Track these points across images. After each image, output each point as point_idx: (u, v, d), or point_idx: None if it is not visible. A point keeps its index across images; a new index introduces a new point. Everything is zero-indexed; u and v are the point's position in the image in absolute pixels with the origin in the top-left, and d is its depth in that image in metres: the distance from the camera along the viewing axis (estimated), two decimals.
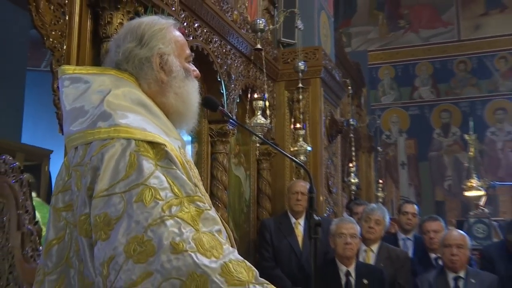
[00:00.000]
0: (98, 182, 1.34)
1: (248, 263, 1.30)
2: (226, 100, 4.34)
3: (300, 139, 4.92)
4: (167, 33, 1.65)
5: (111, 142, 1.38)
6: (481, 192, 7.39)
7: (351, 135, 7.27)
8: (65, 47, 2.87)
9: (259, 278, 1.28)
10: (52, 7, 2.80)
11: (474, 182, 7.45)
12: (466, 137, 8.52)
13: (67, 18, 2.89)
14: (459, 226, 6.57)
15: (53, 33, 2.81)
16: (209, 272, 1.22)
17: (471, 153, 8.11)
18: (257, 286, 1.25)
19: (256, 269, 4.17)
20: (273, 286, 1.28)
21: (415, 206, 5.33)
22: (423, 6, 11.19)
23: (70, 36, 2.91)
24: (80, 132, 1.45)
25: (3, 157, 2.97)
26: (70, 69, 1.58)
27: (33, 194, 2.79)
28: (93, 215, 1.32)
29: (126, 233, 1.27)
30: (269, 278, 4.40)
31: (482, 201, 7.37)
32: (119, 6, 2.90)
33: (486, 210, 7.28)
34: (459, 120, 10.66)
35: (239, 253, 4.42)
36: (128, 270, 1.23)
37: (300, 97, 5.20)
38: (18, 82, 7.39)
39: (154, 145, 1.40)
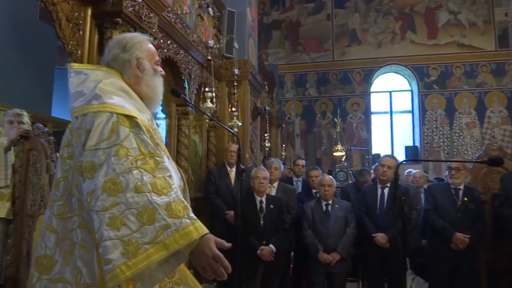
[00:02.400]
0: (89, 140, 1.28)
1: (185, 203, 1.27)
2: (188, 92, 4.24)
3: (234, 118, 4.89)
4: (143, 44, 1.57)
5: (100, 113, 1.31)
6: (343, 153, 7.63)
7: (266, 116, 7.30)
8: (79, 52, 2.71)
9: (191, 214, 1.25)
10: (70, 25, 2.62)
11: (339, 147, 7.68)
12: (335, 120, 8.74)
13: (81, 32, 2.71)
14: (329, 173, 6.76)
15: (71, 42, 2.64)
16: (157, 207, 1.20)
17: (338, 130, 8.33)
18: (187, 220, 1.22)
19: (204, 199, 4.15)
20: (199, 221, 1.25)
21: (303, 161, 5.44)
22: (312, 38, 11.25)
23: (83, 45, 2.74)
24: (80, 107, 1.37)
25: (37, 124, 2.84)
26: (75, 65, 1.50)
27: None
28: (84, 161, 1.27)
29: (104, 175, 1.22)
30: (212, 204, 4.37)
31: (343, 158, 7.62)
32: (117, 27, 2.76)
33: (345, 164, 7.53)
34: (331, 109, 10.84)
35: (195, 189, 4.37)
36: (103, 199, 1.19)
37: (235, 91, 5.15)
38: (49, 75, 7.02)
39: (129, 117, 1.33)
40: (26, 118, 3.22)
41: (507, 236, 3.68)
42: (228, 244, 1.29)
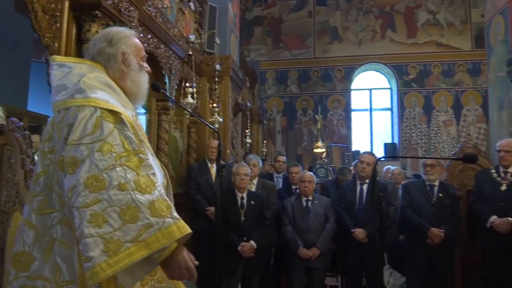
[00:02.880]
0: (71, 134, 1.26)
1: (168, 202, 1.26)
2: (168, 87, 4.20)
3: (215, 114, 4.88)
4: (130, 39, 1.54)
5: (83, 108, 1.28)
6: (323, 150, 7.70)
7: (248, 112, 7.30)
8: (56, 45, 2.64)
9: (174, 213, 1.25)
10: (47, 17, 2.56)
11: (319, 144, 7.75)
12: (316, 116, 8.81)
13: (58, 25, 2.64)
14: (310, 169, 6.83)
15: (48, 35, 2.57)
16: (140, 205, 1.19)
17: (319, 126, 8.41)
18: (170, 219, 1.22)
19: (185, 195, 4.15)
20: (182, 221, 1.25)
21: (284, 157, 5.48)
22: (294, 35, 11.29)
23: (60, 38, 2.67)
24: (62, 101, 1.34)
25: (12, 119, 2.78)
26: (58, 58, 1.47)
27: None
28: (65, 156, 1.24)
29: (87, 171, 1.20)
30: (193, 200, 4.36)
31: (324, 155, 7.69)
32: (95, 20, 2.70)
33: (325, 160, 7.61)
34: (312, 106, 10.90)
35: (176, 185, 4.34)
36: (84, 195, 1.18)
37: (216, 87, 5.13)
38: (25, 69, 6.82)
39: (114, 113, 1.31)
40: (0, 112, 3.14)
41: (481, 232, 3.79)
42: (196, 262, 1.33)
